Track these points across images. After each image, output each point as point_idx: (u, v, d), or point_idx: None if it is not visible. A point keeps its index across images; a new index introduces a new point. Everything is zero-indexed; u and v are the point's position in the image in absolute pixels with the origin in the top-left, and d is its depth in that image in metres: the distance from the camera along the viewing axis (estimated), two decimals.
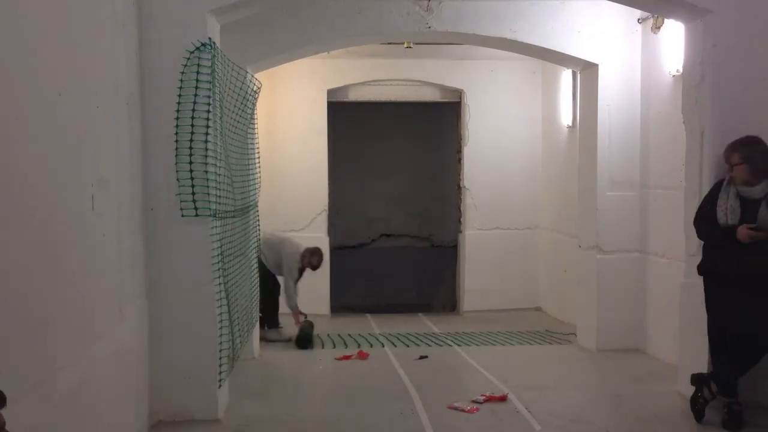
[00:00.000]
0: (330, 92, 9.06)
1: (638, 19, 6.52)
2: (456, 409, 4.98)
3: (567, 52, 6.69)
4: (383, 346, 7.16)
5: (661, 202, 6.32)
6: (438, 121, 11.09)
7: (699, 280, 4.96)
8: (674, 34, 5.84)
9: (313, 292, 8.51)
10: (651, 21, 6.36)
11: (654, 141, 6.48)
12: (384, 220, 11.42)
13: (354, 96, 9.42)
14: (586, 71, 6.87)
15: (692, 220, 4.91)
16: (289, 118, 8.89)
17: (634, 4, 5.60)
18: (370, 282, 10.62)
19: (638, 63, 6.60)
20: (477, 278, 9.30)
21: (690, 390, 4.83)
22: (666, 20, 6.04)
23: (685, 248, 5.19)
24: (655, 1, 5.18)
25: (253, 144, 6.60)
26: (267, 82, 8.39)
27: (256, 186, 6.71)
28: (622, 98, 6.63)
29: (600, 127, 6.68)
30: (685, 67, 5.23)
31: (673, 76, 6.01)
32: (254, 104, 6.43)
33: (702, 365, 4.90)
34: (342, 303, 9.57)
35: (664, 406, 5.01)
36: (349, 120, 10.24)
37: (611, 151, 6.68)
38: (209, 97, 4.58)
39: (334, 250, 9.51)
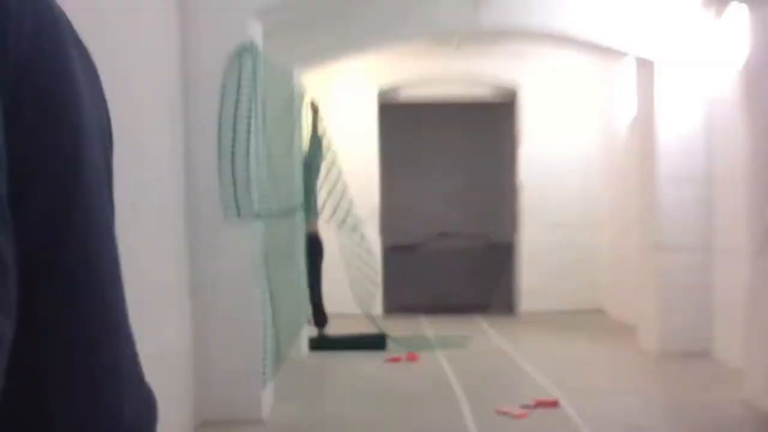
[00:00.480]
0: (382, 92, 9.02)
1: (700, 9, 6.19)
2: (505, 413, 4.83)
3: (622, 47, 6.43)
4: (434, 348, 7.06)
5: (727, 197, 5.98)
6: (493, 119, 10.88)
7: (766, 279, 4.67)
8: (738, 24, 5.51)
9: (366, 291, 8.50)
10: (713, 10, 6.03)
11: (718, 134, 6.15)
12: (440, 219, 11.27)
13: (406, 95, 9.34)
14: (645, 66, 6.58)
15: (755, 215, 4.60)
16: (341, 118, 8.87)
17: None
18: (426, 282, 10.50)
19: (700, 55, 6.27)
20: (535, 278, 9.07)
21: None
22: (730, 9, 5.71)
23: (750, 245, 4.89)
24: None
25: (299, 146, 6.62)
26: (318, 82, 8.42)
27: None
28: (682, 91, 6.32)
29: (661, 122, 6.39)
30: (749, 57, 4.92)
31: (739, 67, 5.68)
32: (300, 106, 6.44)
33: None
34: (396, 303, 9.50)
35: (727, 415, 4.73)
36: (402, 119, 10.16)
37: (672, 146, 6.39)
38: (251, 98, 4.60)
39: (388, 249, 9.45)
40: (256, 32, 4.80)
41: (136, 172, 3.72)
